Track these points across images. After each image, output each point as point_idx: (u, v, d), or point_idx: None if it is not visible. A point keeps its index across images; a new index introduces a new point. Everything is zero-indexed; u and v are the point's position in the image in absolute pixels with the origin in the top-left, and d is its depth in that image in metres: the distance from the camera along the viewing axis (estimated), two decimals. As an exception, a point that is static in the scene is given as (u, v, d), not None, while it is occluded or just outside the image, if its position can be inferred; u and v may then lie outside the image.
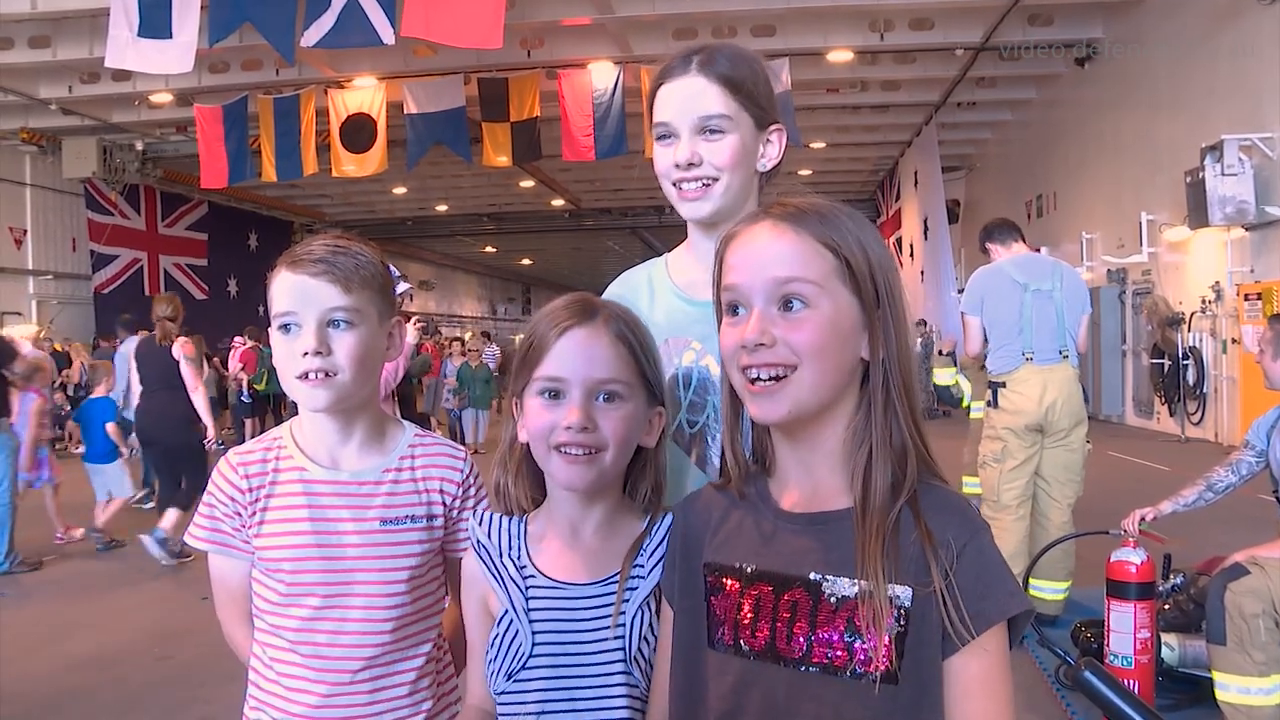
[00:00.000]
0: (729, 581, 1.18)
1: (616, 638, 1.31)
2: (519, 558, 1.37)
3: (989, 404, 5.16)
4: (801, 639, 1.11)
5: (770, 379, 1.12)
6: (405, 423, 1.65)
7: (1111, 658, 3.72)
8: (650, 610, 1.33)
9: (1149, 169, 13.38)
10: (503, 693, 1.33)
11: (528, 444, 1.39)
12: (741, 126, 1.56)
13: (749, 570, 1.17)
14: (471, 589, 1.40)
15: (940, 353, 6.27)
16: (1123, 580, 3.76)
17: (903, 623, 1.07)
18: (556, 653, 1.31)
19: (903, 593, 1.07)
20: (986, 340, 5.17)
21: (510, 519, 1.41)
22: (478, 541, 1.40)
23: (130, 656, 5.12)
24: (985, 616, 1.07)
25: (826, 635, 1.09)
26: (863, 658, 1.07)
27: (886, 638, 1.06)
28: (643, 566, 1.35)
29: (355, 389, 1.52)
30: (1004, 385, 5.04)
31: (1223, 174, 10.77)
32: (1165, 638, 3.88)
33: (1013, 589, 1.09)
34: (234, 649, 1.65)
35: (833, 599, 1.10)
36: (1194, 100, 12.06)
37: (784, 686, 1.11)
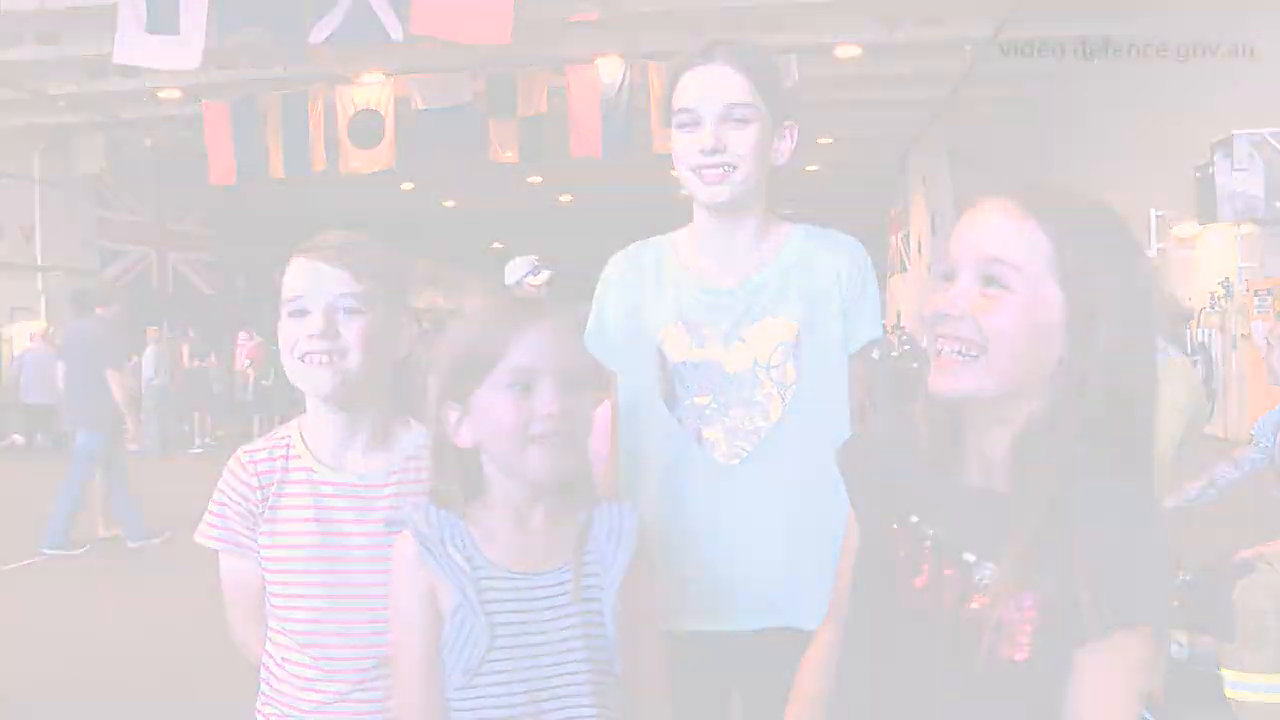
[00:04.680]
0: (904, 534, 1.17)
1: (589, 624, 1.29)
2: (464, 547, 1.33)
3: None
4: (950, 614, 1.10)
5: (956, 354, 1.11)
6: (414, 423, 1.62)
7: (1120, 655, 3.71)
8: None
9: (1158, 164, 13.31)
10: (460, 688, 1.29)
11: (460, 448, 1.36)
12: (763, 117, 1.59)
13: (928, 531, 1.15)
14: (409, 584, 1.32)
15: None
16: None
17: (1039, 611, 1.05)
18: (516, 644, 1.28)
19: (1042, 581, 1.05)
20: None
21: (445, 513, 1.37)
22: (418, 530, 1.34)
23: (135, 654, 5.13)
24: (1122, 615, 1.03)
25: (970, 615, 1.08)
26: (1000, 642, 1.06)
27: (1027, 624, 1.05)
28: (594, 552, 1.33)
29: (360, 376, 1.50)
30: None
31: (1233, 169, 10.71)
32: (1175, 634, 3.87)
33: (1156, 599, 1.06)
34: (242, 650, 1.63)
35: (982, 582, 1.08)
36: (1204, 95, 12.00)
37: (932, 654, 1.11)
